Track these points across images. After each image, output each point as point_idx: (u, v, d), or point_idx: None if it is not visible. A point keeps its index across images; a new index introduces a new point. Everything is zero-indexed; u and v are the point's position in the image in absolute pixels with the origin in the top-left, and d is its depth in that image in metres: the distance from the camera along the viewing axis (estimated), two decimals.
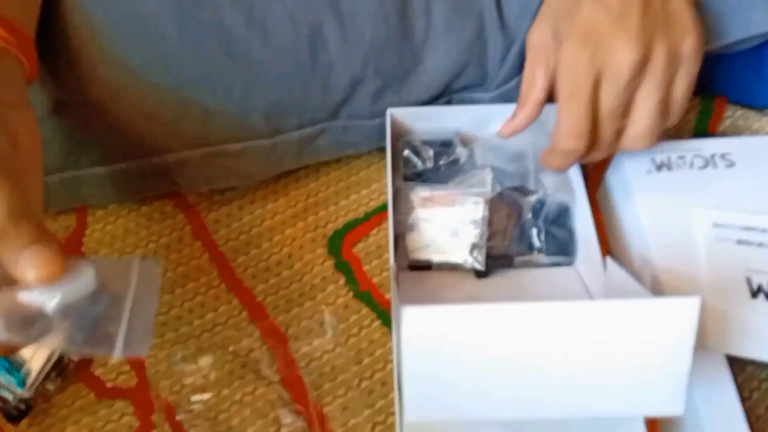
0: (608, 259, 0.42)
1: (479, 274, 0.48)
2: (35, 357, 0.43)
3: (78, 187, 0.51)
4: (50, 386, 0.44)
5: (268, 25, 0.47)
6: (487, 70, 0.51)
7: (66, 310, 0.30)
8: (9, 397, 0.42)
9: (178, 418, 0.44)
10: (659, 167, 0.45)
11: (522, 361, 0.35)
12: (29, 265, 0.29)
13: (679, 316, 0.34)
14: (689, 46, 0.41)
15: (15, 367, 0.42)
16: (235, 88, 0.48)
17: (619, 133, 0.43)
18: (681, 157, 0.46)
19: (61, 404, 0.45)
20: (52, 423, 0.44)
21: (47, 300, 0.29)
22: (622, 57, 0.39)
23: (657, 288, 0.42)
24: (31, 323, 0.30)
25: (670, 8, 0.41)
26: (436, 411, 0.36)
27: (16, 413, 0.43)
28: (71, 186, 0.51)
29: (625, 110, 0.42)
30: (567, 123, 0.42)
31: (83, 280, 0.30)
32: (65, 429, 0.44)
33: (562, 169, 0.47)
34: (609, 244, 0.50)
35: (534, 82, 0.45)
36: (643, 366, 0.35)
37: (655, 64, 0.40)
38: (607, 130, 0.42)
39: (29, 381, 0.42)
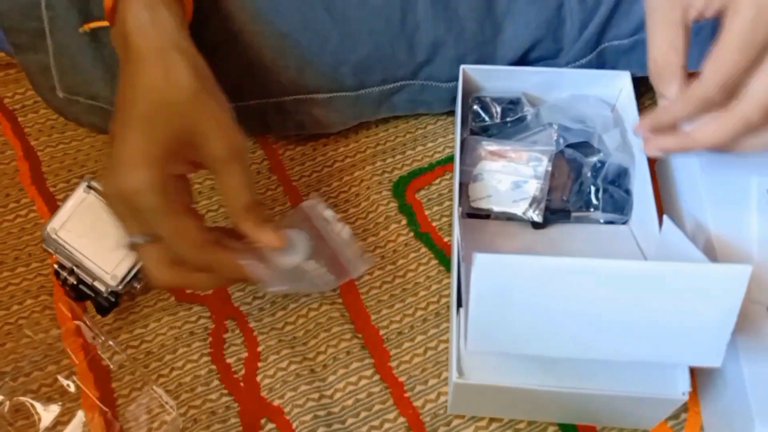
0: (665, 218, 0.45)
1: (536, 225, 0.51)
2: (126, 257, 0.47)
3: None
4: (136, 284, 0.48)
5: None
6: (562, 45, 0.54)
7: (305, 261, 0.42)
8: (102, 289, 0.47)
9: (249, 325, 0.48)
10: None
11: (579, 308, 0.37)
12: (271, 238, 0.40)
13: (730, 280, 0.36)
14: None
15: None
16: (329, 42, 0.52)
17: None
18: None
19: (143, 304, 0.50)
20: (135, 319, 0.49)
21: (295, 258, 0.41)
22: None
23: (709, 249, 0.44)
24: (288, 275, 0.41)
25: None
26: (495, 344, 0.39)
27: (107, 305, 0.47)
28: None
29: None
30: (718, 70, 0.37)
31: (303, 242, 0.42)
32: (148, 324, 0.49)
33: (668, 151, 0.44)
34: (663, 207, 0.52)
35: (674, 44, 0.39)
36: (690, 321, 0.37)
37: None
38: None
39: (120, 276, 0.47)
